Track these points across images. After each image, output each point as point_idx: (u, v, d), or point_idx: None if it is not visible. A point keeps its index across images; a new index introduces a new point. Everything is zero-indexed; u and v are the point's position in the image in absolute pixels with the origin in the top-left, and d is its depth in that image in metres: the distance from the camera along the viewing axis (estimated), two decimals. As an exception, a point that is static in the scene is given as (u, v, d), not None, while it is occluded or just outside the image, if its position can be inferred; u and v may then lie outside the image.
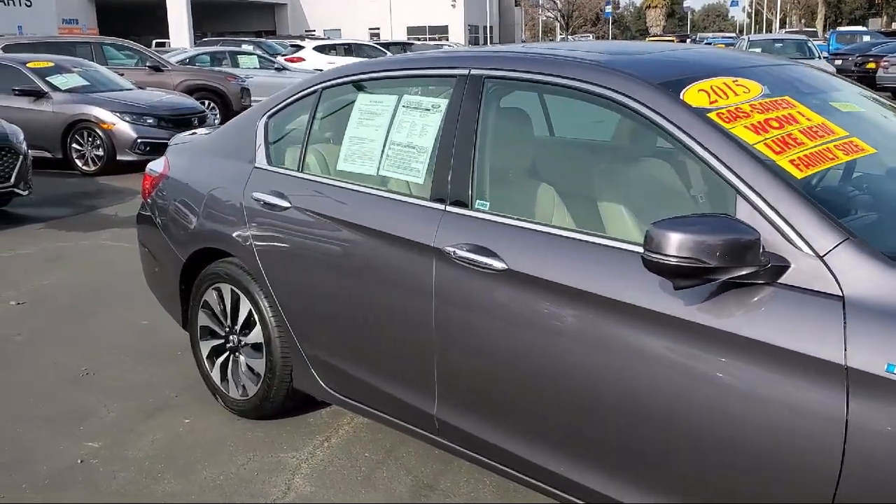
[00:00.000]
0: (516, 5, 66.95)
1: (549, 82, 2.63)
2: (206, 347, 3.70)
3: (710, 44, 26.78)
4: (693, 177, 2.56)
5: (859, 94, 2.96)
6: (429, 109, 2.91)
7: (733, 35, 53.41)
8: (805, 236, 1.99)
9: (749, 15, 70.98)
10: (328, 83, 3.33)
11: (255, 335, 3.41)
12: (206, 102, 14.00)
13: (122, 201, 8.73)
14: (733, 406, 2.01)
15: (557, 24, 77.92)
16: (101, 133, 10.31)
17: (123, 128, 10.33)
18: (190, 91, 13.99)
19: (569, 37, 65.69)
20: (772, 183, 2.07)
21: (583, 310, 2.30)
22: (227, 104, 14.94)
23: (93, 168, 10.42)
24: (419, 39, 41.81)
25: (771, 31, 57.45)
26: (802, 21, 71.35)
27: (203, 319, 3.67)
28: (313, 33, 45.67)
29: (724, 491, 2.08)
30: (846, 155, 2.32)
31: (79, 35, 26.76)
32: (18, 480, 3.14)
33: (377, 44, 27.18)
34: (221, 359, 3.62)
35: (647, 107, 2.33)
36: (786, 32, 40.68)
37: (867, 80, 19.83)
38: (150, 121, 10.52)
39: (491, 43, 53.98)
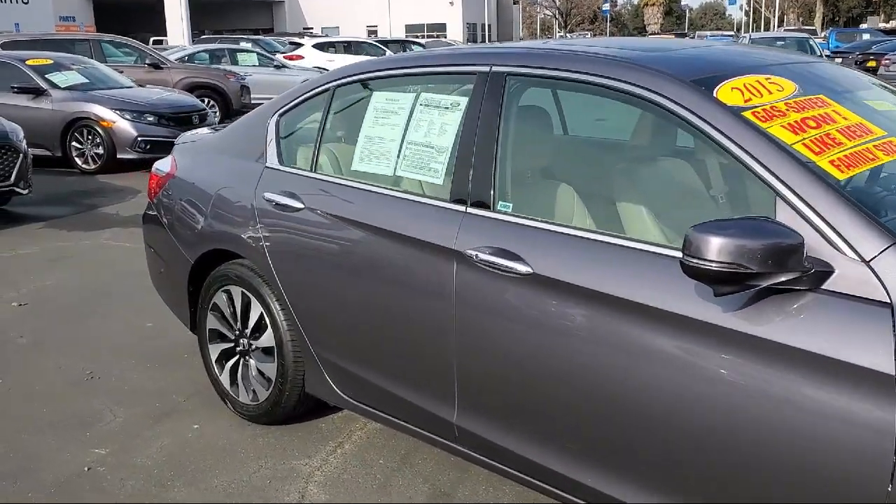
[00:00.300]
0: (514, 3, 66.81)
1: (575, 79, 2.54)
2: (214, 351, 3.61)
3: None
4: (727, 178, 2.48)
5: (891, 93, 2.88)
6: (448, 108, 2.82)
7: (731, 33, 53.34)
8: (850, 241, 1.91)
9: (746, 13, 70.91)
10: (342, 81, 3.24)
11: (267, 339, 3.33)
12: (206, 100, 13.89)
13: (122, 200, 8.63)
14: (773, 417, 1.93)
15: (555, 22, 77.84)
16: (101, 131, 10.21)
17: (124, 126, 10.23)
18: (190, 89, 13.90)
19: (567, 35, 65.58)
20: (814, 185, 2.00)
21: (614, 317, 2.21)
22: (227, 102, 14.87)
23: (93, 166, 10.31)
24: (417, 37, 41.66)
25: (769, 30, 57.40)
26: (800, 19, 71.32)
27: (212, 322, 3.59)
28: (311, 31, 45.53)
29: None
30: (886, 155, 2.24)
31: (77, 32, 26.63)
32: (24, 489, 3.05)
33: (376, 41, 27.05)
34: (231, 363, 3.54)
35: (681, 105, 2.25)
36: (785, 30, 40.62)
37: (868, 78, 19.74)
38: (150, 119, 10.41)
39: (489, 41, 53.83)
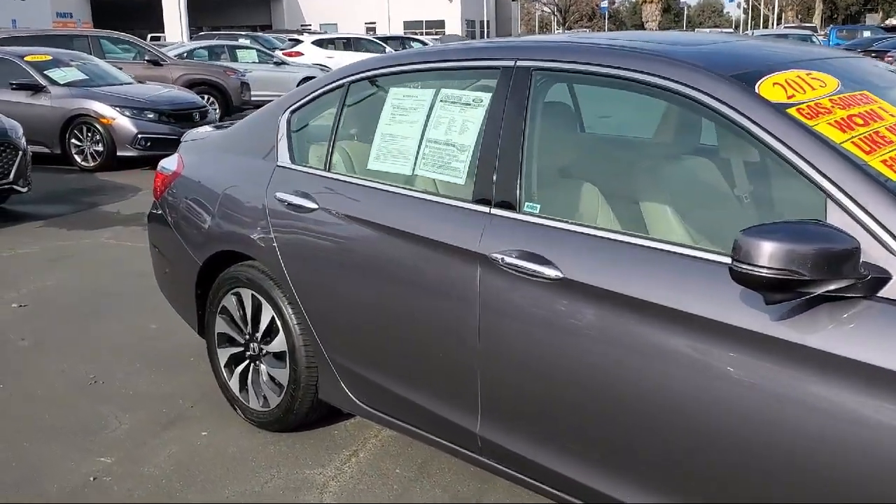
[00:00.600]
0: (513, 0, 66.64)
1: (605, 74, 2.42)
2: (223, 355, 3.50)
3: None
4: (770, 177, 2.37)
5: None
6: (470, 104, 2.70)
7: (730, 31, 53.23)
8: (909, 245, 1.80)
9: (745, 10, 70.80)
10: (356, 76, 3.12)
11: (279, 343, 3.21)
12: (206, 97, 13.75)
13: (123, 198, 8.51)
14: (827, 429, 1.83)
15: (554, 19, 77.66)
16: (100, 128, 10.07)
17: (123, 123, 10.09)
18: (189, 85, 13.76)
19: (565, 32, 65.44)
20: (867, 186, 1.89)
21: (655, 326, 2.10)
22: (227, 99, 14.74)
23: (92, 164, 10.17)
24: (416, 34, 41.49)
25: (767, 27, 57.31)
26: (799, 17, 71.25)
27: (221, 326, 3.47)
28: (309, 28, 45.36)
29: None
30: (938, 155, 2.13)
31: (75, 29, 26.47)
32: (27, 500, 2.94)
33: (375, 38, 26.90)
34: (241, 368, 3.42)
35: (723, 102, 2.13)
36: (785, 27, 40.50)
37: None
38: (150, 116, 10.27)
39: (488, 38, 53.68)
